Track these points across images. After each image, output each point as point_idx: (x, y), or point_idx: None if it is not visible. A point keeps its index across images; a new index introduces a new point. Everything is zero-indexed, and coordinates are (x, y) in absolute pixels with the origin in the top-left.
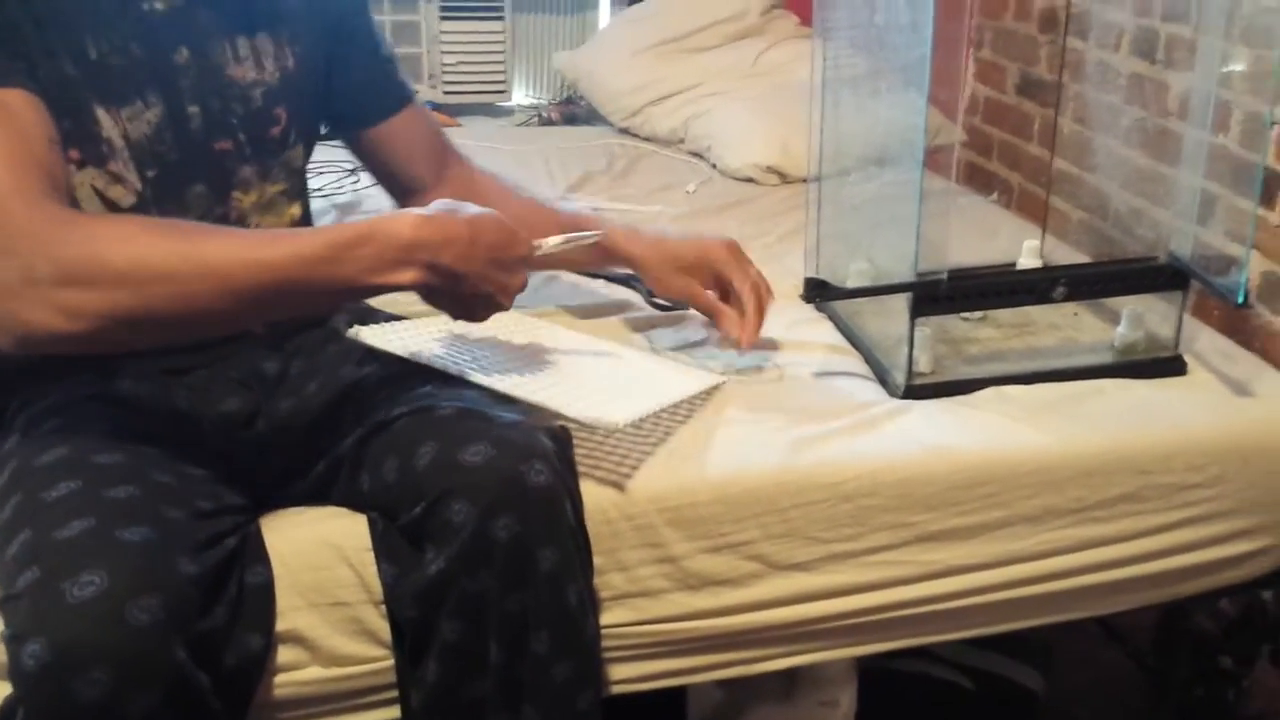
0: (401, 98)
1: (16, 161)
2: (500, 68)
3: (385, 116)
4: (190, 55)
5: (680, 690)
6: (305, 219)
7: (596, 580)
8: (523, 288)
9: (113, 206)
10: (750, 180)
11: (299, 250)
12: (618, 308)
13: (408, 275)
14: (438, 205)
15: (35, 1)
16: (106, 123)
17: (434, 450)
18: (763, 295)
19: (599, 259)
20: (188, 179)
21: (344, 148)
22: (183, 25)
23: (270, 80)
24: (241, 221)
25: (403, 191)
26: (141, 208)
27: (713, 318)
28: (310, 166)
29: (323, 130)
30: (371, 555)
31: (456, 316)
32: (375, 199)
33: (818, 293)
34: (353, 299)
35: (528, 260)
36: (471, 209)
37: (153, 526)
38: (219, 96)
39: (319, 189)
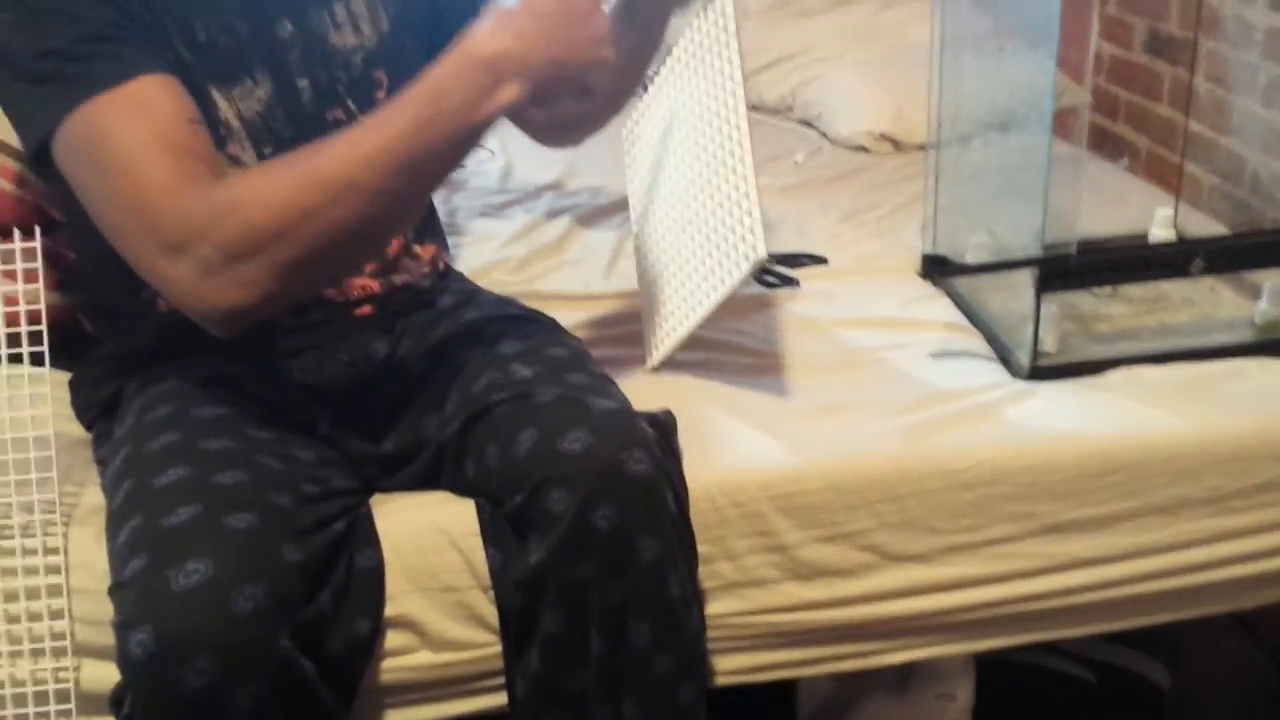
0: None
1: (163, 157)
2: None
3: None
4: (294, 28)
5: (789, 682)
6: None
7: (703, 569)
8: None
9: None
10: (862, 149)
11: (397, 128)
12: None
13: (508, 92)
14: (491, 3)
15: None
16: (222, 105)
17: (534, 437)
18: None
19: None
20: None
21: None
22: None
23: (368, 44)
24: None
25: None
26: None
27: None
28: None
29: None
30: (479, 540)
31: (578, 98)
32: None
33: (937, 269)
34: (476, 137)
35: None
36: None
37: (259, 513)
38: (325, 66)
39: None
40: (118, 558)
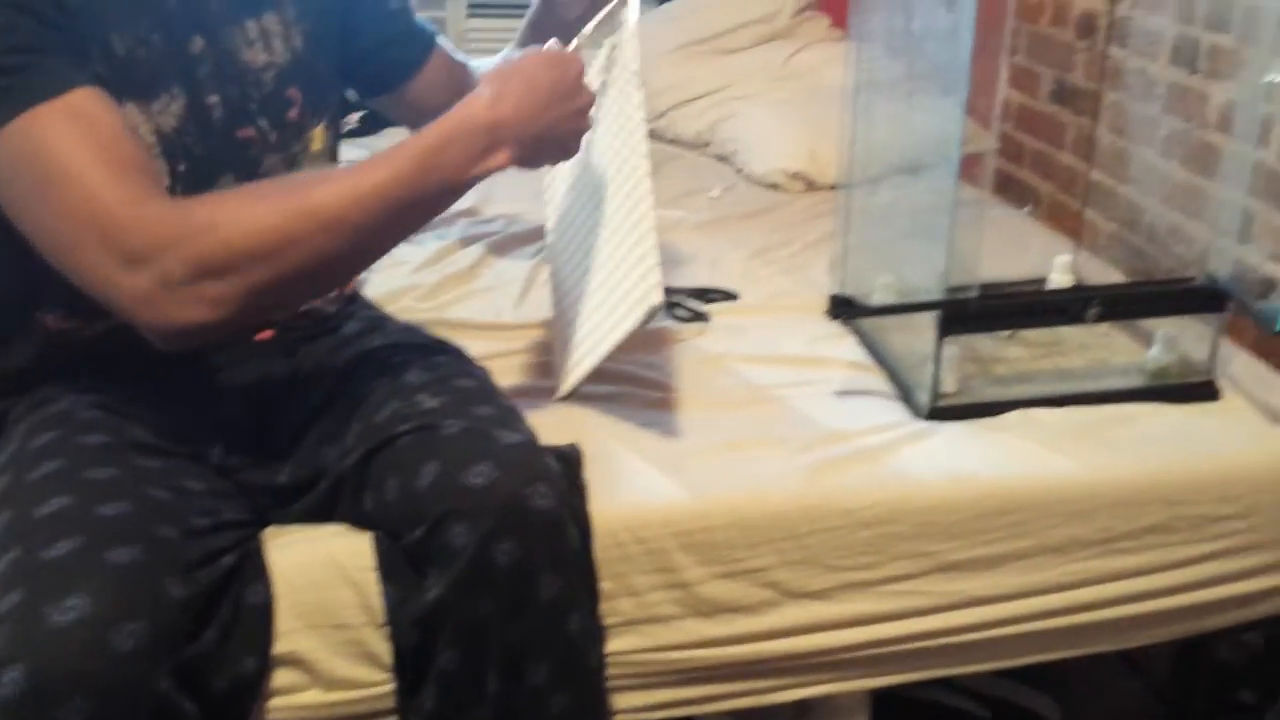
0: (426, 46)
1: (111, 168)
2: None
3: (414, 70)
4: (205, 43)
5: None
6: None
7: (605, 606)
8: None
9: None
10: (776, 186)
11: (395, 171)
12: None
13: (499, 158)
14: (489, 75)
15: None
16: (139, 119)
17: (437, 470)
18: None
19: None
20: (216, 170)
21: (369, 133)
22: (196, 13)
23: (280, 61)
24: None
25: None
26: None
27: None
28: None
29: (353, 97)
30: (374, 575)
31: (556, 161)
32: None
33: (843, 311)
34: (461, 193)
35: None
36: (516, 61)
37: (143, 546)
38: (236, 83)
39: None
40: None
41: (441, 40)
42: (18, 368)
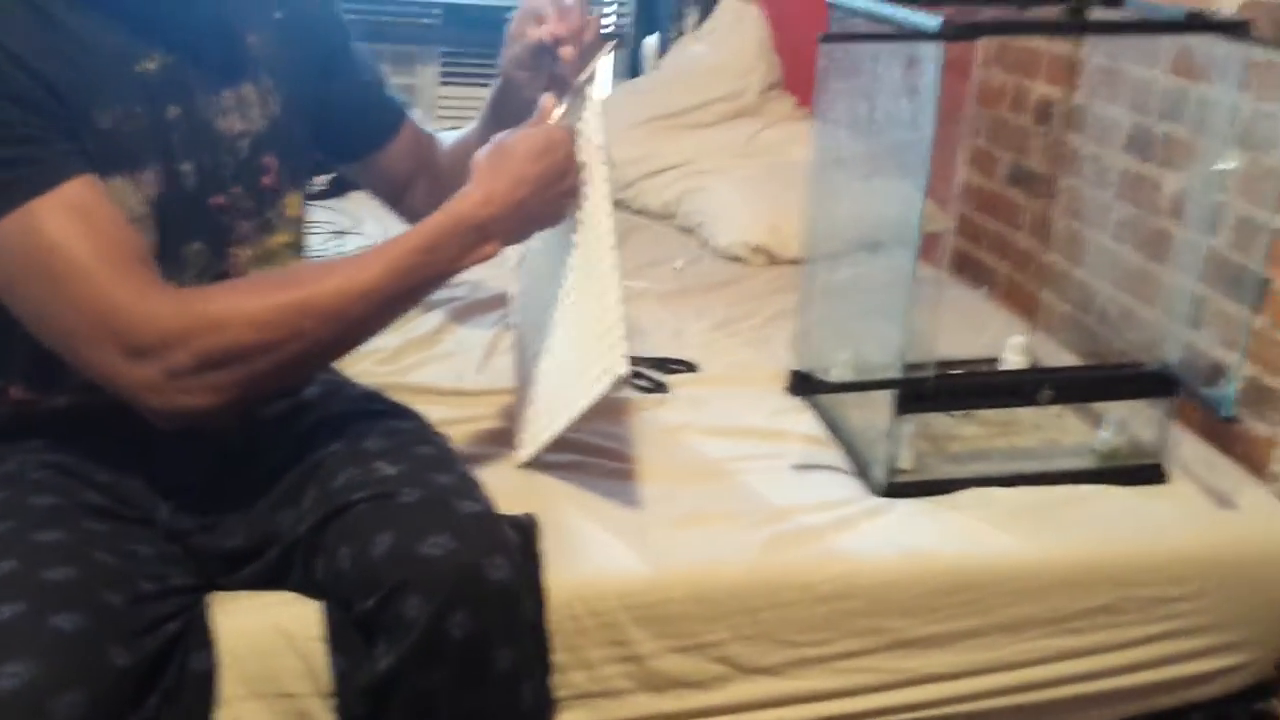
0: (397, 119)
1: (114, 261)
2: None
3: (385, 140)
4: (181, 111)
5: None
6: None
7: (557, 678)
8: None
9: None
10: (739, 259)
11: (391, 267)
12: None
13: (492, 247)
14: (480, 168)
15: (48, 77)
16: (128, 191)
17: (392, 539)
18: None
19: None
20: (185, 237)
21: (335, 196)
22: (176, 83)
23: (257, 129)
24: (240, 276)
25: (395, 195)
26: None
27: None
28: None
29: (322, 161)
30: (323, 645)
31: (544, 227)
32: None
33: (803, 387)
34: (449, 280)
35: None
36: (506, 150)
37: (88, 613)
38: (209, 151)
39: None
40: None
41: (411, 113)
42: None
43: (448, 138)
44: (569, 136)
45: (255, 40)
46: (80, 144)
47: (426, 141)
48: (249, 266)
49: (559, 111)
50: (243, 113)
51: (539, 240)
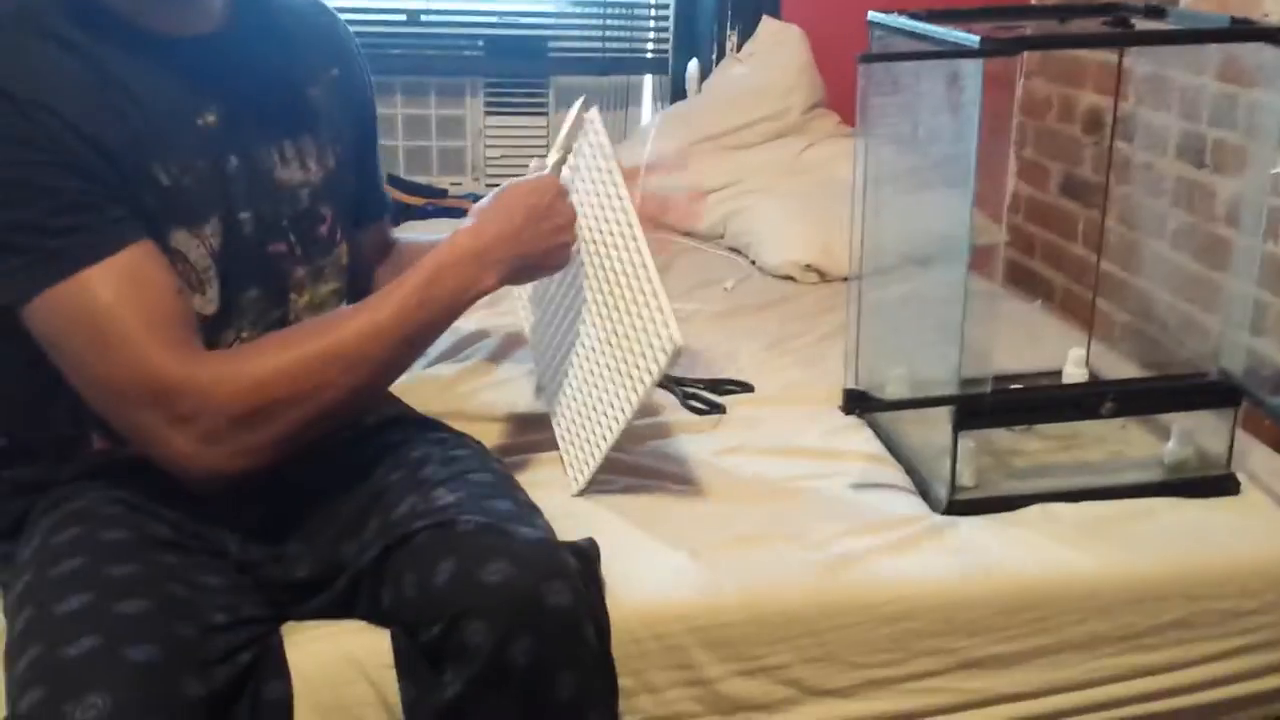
0: (384, 207)
1: (160, 330)
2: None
3: (372, 221)
4: (239, 163)
5: None
6: None
7: (623, 703)
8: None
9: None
10: (789, 278)
11: (402, 305)
12: (653, 407)
13: (491, 278)
14: (472, 210)
15: (105, 140)
16: (190, 244)
17: (453, 567)
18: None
19: None
20: (243, 285)
21: None
22: (235, 135)
23: (315, 180)
24: (296, 323)
25: (357, 274)
26: (207, 327)
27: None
28: None
29: None
30: (392, 673)
31: (548, 275)
32: None
33: (858, 405)
34: (456, 317)
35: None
36: (496, 194)
37: (161, 644)
38: (269, 200)
39: None
40: (15, 687)
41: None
42: (42, 468)
43: (411, 238)
44: (556, 181)
45: (315, 93)
46: (137, 205)
47: (390, 242)
48: (305, 313)
49: (549, 161)
50: (302, 163)
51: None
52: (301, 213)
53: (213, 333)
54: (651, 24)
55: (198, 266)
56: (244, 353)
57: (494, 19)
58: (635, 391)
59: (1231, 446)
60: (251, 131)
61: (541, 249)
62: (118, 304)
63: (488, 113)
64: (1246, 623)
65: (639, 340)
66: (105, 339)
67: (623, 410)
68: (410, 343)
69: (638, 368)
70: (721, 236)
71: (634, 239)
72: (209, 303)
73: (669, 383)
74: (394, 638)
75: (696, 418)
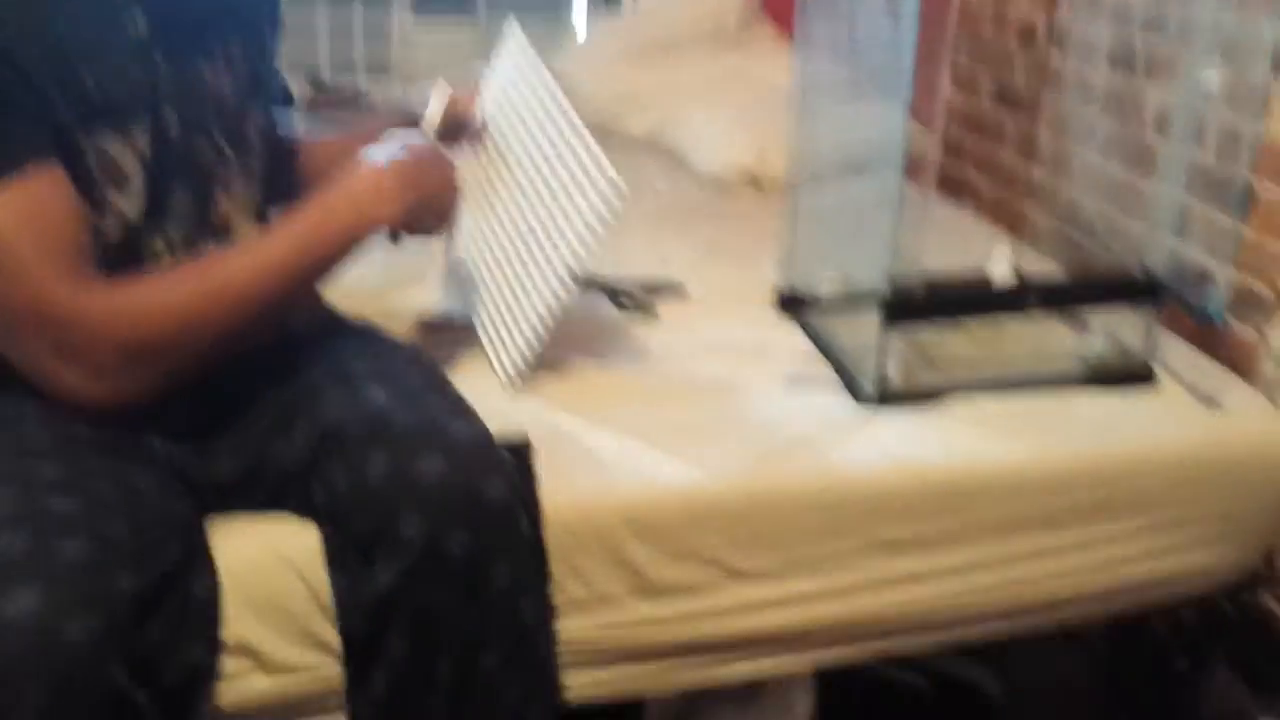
0: (286, 97)
1: (55, 259)
2: (473, 67)
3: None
4: (168, 69)
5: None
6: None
7: (555, 589)
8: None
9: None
10: (724, 184)
11: (293, 241)
12: (584, 307)
13: (384, 211)
14: (368, 151)
15: (18, 53)
16: (119, 147)
17: (386, 462)
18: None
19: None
20: (170, 187)
21: None
22: (162, 43)
23: (243, 81)
24: (226, 224)
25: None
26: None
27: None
28: None
29: None
30: (322, 565)
31: (434, 228)
32: None
33: (790, 304)
34: (350, 251)
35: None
36: (387, 138)
37: (92, 540)
38: (198, 104)
39: None
40: None
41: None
42: None
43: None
44: (434, 142)
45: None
46: (51, 116)
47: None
48: (233, 214)
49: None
50: (230, 65)
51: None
52: (229, 114)
53: (140, 236)
54: None
55: (126, 169)
56: (137, 287)
57: None
58: (576, 255)
59: (1151, 341)
60: (181, 39)
61: (431, 191)
62: (11, 230)
63: (416, 15)
64: (1158, 505)
65: (579, 202)
66: None
67: (561, 282)
68: (299, 279)
69: (580, 229)
70: (656, 144)
71: (568, 121)
72: (135, 203)
73: (600, 283)
74: (323, 531)
75: (628, 316)
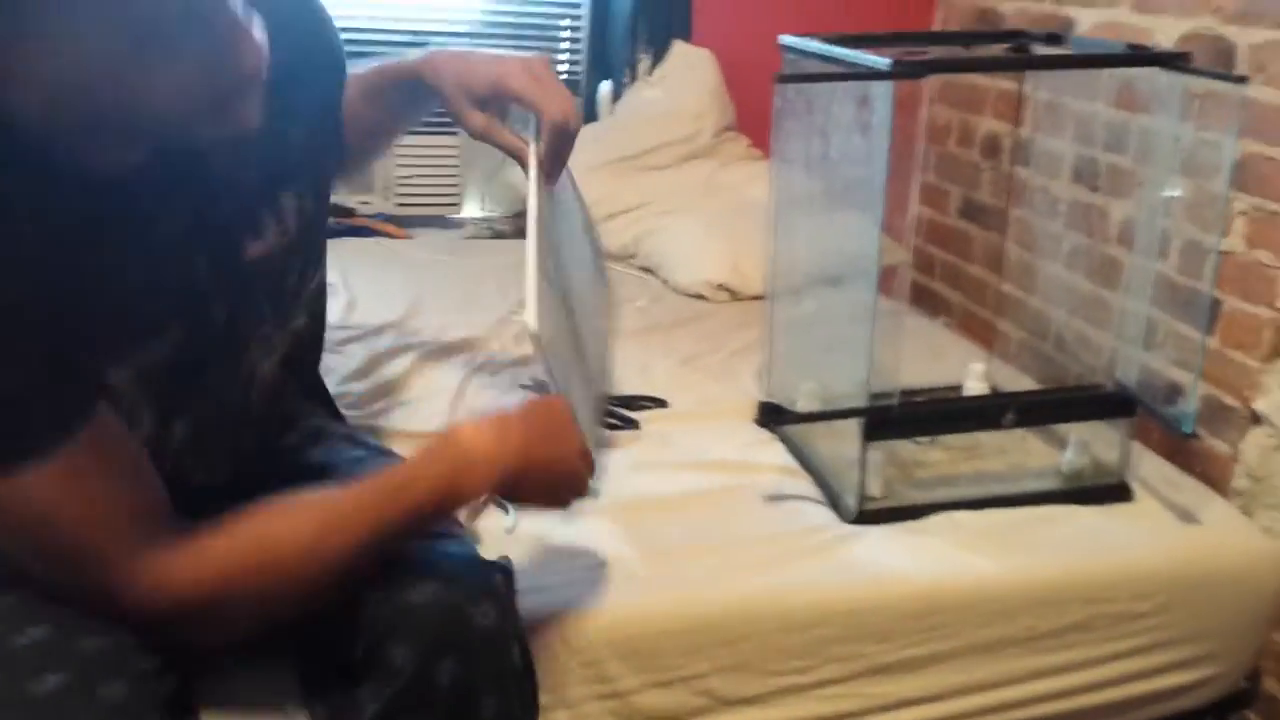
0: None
1: (102, 528)
2: (453, 181)
3: None
4: (207, 261)
5: None
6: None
7: (541, 718)
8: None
9: None
10: (701, 297)
11: (417, 503)
12: None
13: (484, 478)
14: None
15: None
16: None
17: (376, 586)
18: (568, 127)
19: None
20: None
21: None
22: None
23: (292, 235)
24: (251, 375)
25: None
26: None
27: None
28: None
29: None
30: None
31: (552, 504)
32: None
33: (772, 418)
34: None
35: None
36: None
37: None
38: (240, 283)
39: None
40: None
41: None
42: None
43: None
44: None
45: (296, 132)
46: (94, 370)
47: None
48: (271, 372)
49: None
50: (280, 224)
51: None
52: (274, 275)
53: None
54: (564, 45)
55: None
56: (204, 548)
57: (405, 37)
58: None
59: (1125, 455)
60: (220, 226)
61: (556, 466)
62: (56, 510)
63: None
64: (1142, 624)
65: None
66: (40, 546)
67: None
68: (377, 546)
69: None
70: (633, 256)
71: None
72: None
73: None
74: (297, 661)
75: (612, 433)
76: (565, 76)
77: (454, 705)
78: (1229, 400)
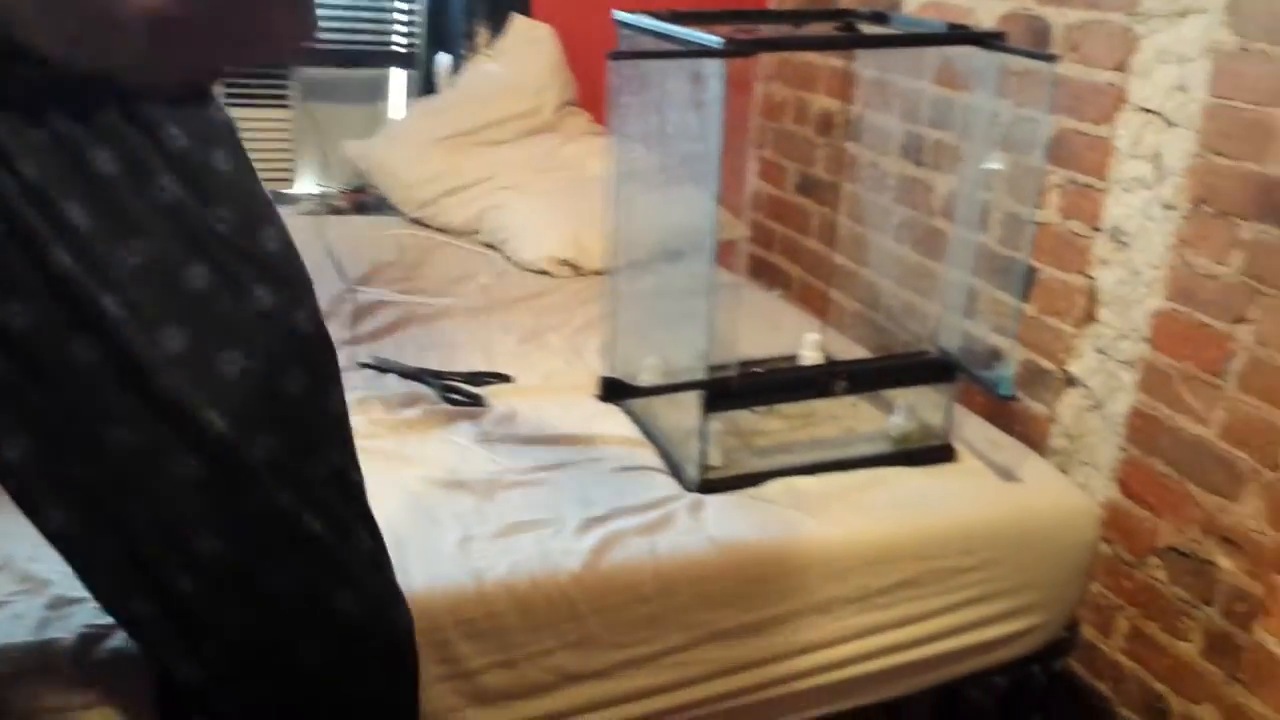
0: None
1: None
2: (287, 156)
3: None
4: None
5: None
6: None
7: None
8: None
9: None
10: (544, 273)
11: None
12: (411, 400)
13: None
14: None
15: None
16: None
17: None
18: None
19: None
20: None
21: None
22: None
23: None
24: None
25: None
26: None
27: None
28: None
29: None
30: None
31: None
32: None
33: (614, 392)
34: None
35: None
36: None
37: None
38: None
39: None
40: None
41: None
42: None
43: None
44: None
45: None
46: None
47: None
48: None
49: None
50: None
51: None
52: None
53: None
54: (400, 17)
55: None
56: None
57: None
58: None
59: (949, 418)
60: None
61: None
62: None
63: (227, 104)
64: (966, 579)
65: None
66: None
67: None
68: None
69: None
70: (476, 232)
71: None
72: None
73: (427, 376)
74: None
75: (456, 409)
76: (402, 49)
77: None
78: (1045, 364)
